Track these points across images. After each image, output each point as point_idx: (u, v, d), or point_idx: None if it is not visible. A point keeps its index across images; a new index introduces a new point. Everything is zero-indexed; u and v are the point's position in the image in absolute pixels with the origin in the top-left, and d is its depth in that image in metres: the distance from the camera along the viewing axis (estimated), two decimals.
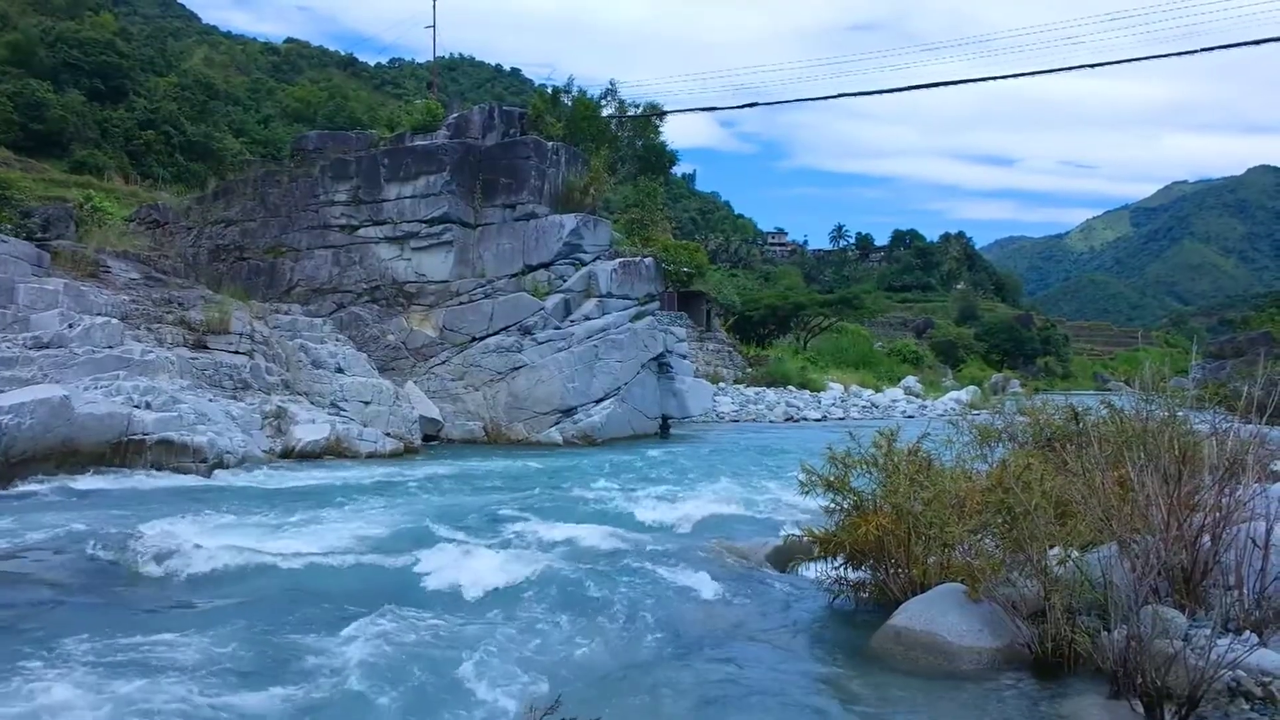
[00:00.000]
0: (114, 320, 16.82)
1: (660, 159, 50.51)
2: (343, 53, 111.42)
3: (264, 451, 16.97)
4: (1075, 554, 6.02)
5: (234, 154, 49.40)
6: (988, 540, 6.59)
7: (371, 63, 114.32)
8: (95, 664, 5.91)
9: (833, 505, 7.81)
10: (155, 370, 16.57)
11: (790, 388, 42.77)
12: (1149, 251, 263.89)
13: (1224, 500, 6.02)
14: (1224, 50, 25.61)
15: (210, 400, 17.13)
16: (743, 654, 6.55)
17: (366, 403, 19.96)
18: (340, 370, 20.44)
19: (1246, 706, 4.93)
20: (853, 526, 7.45)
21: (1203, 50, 26.57)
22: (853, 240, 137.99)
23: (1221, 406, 8.92)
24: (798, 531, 8.55)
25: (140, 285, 19.54)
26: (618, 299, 24.32)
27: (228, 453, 15.88)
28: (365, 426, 19.26)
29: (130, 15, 79.01)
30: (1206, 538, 6.02)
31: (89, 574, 8.20)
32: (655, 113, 45.34)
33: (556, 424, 22.70)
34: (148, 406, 15.49)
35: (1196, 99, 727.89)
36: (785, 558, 9.22)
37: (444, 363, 23.53)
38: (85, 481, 13.56)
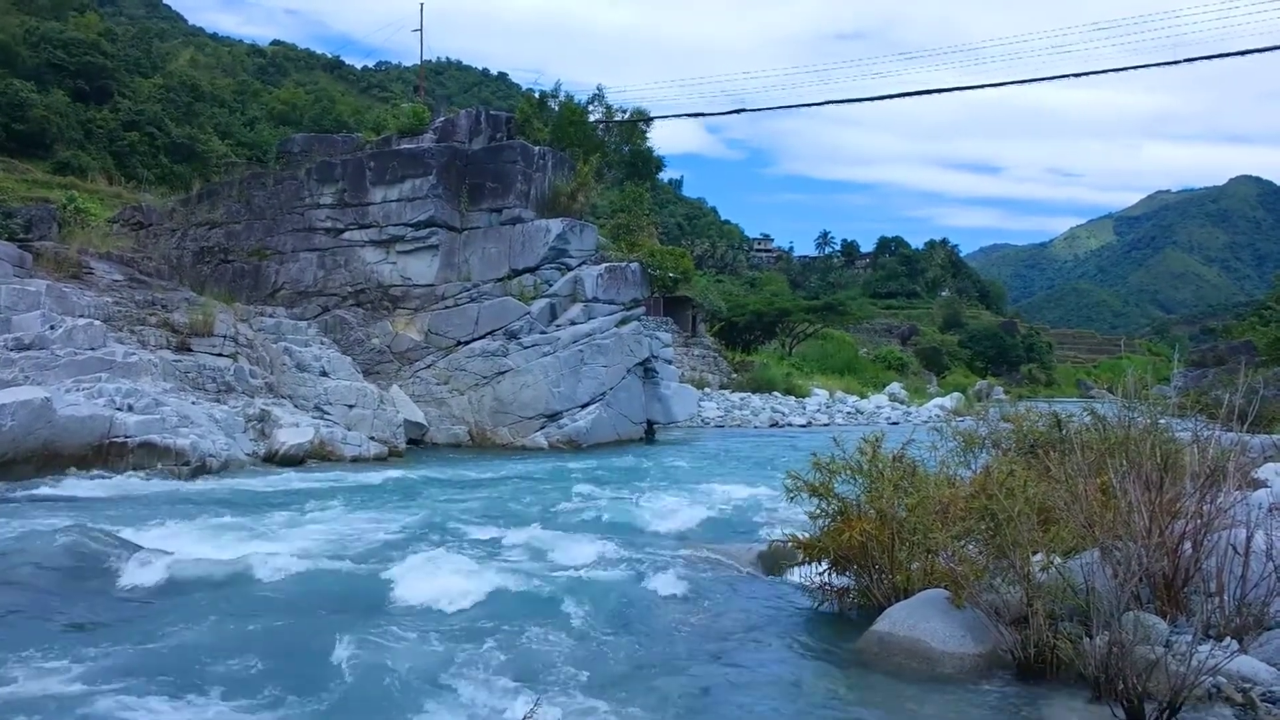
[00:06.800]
0: (96, 322, 16.71)
1: (647, 164, 50.58)
2: (329, 55, 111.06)
3: (247, 455, 16.88)
4: (1058, 560, 6.04)
5: (219, 156, 49.08)
6: (971, 546, 6.61)
7: (358, 66, 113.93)
8: (70, 669, 5.87)
9: (817, 511, 7.82)
10: (138, 372, 16.47)
11: (775, 393, 42.84)
12: (1132, 260, 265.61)
13: (1205, 507, 6.07)
14: (1208, 61, 25.85)
15: (193, 403, 17.04)
16: (726, 658, 6.55)
17: (351, 406, 19.89)
18: (324, 373, 20.35)
19: (1227, 712, 4.96)
20: (837, 532, 7.46)
21: (1187, 61, 26.86)
22: (838, 247, 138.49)
23: (1203, 414, 8.99)
24: (783, 536, 8.56)
25: (123, 287, 19.41)
26: (603, 304, 24.32)
27: (211, 456, 15.79)
28: (349, 430, 19.19)
29: (115, 16, 78.48)
30: (1188, 544, 6.06)
31: (66, 578, 8.12)
32: (642, 118, 45.40)
33: (541, 429, 22.67)
34: (130, 409, 15.39)
35: (1180, 109, 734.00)
36: (770, 562, 9.23)
37: (429, 366, 23.48)
38: (66, 484, 13.45)
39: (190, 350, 18.49)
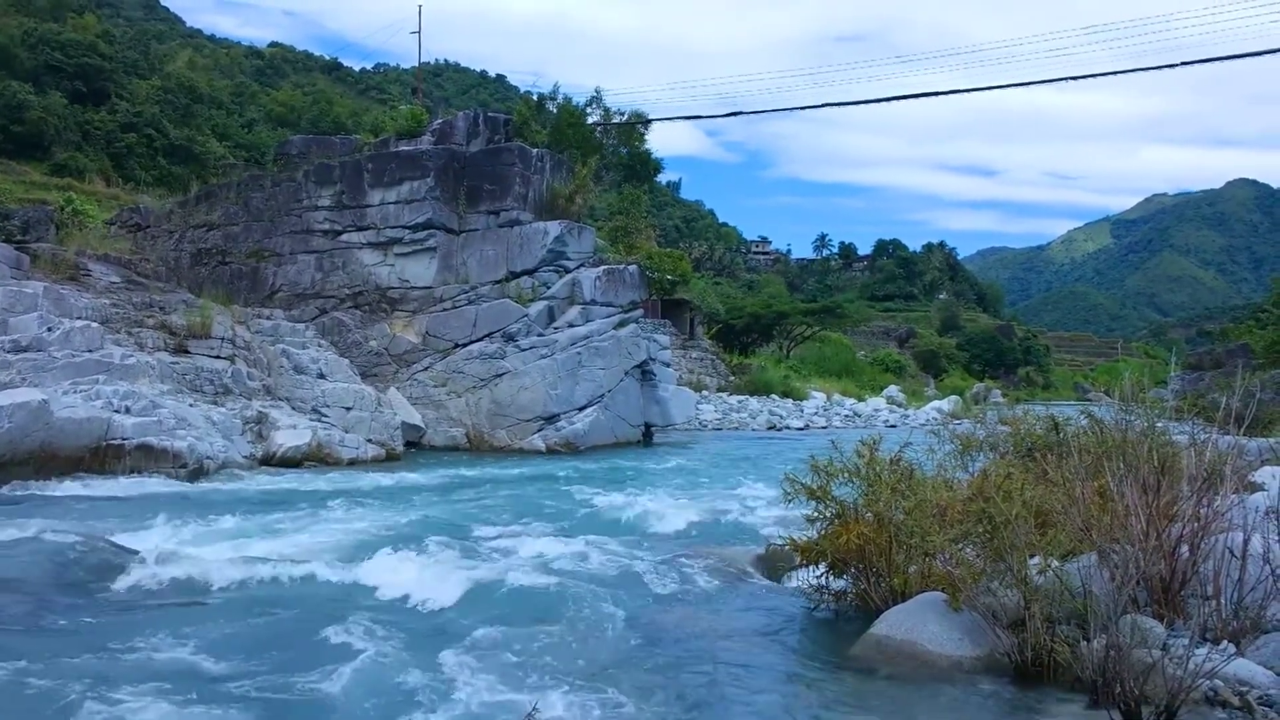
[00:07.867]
0: (94, 324, 16.69)
1: (645, 167, 50.55)
2: (327, 57, 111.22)
3: (245, 457, 16.86)
4: (1055, 563, 6.05)
5: (217, 158, 49.07)
6: (968, 549, 6.61)
7: (356, 68, 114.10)
8: (64, 671, 5.86)
9: (815, 514, 7.82)
10: (135, 374, 16.46)
11: (773, 396, 42.83)
12: (1129, 263, 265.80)
13: (1202, 511, 6.07)
14: (1204, 64, 25.87)
15: (191, 405, 17.02)
16: (723, 660, 6.55)
17: (348, 409, 19.87)
18: (322, 376, 20.33)
19: (1224, 716, 4.96)
20: (835, 535, 7.46)
21: (1184, 64, 26.86)
22: (836, 250, 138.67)
23: (1200, 417, 8.99)
24: (780, 539, 8.56)
25: (121, 289, 19.40)
26: (601, 306, 24.31)
27: (208, 458, 15.78)
28: (347, 433, 19.17)
29: (114, 18, 78.39)
30: (1185, 548, 6.06)
31: (64, 580, 8.12)
32: (640, 121, 45.43)
33: (539, 431, 22.66)
34: (127, 411, 15.37)
35: (1177, 112, 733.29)
36: (768, 565, 9.23)
37: (427, 369, 23.47)
38: (63, 486, 13.44)
39: (188, 352, 18.47)
